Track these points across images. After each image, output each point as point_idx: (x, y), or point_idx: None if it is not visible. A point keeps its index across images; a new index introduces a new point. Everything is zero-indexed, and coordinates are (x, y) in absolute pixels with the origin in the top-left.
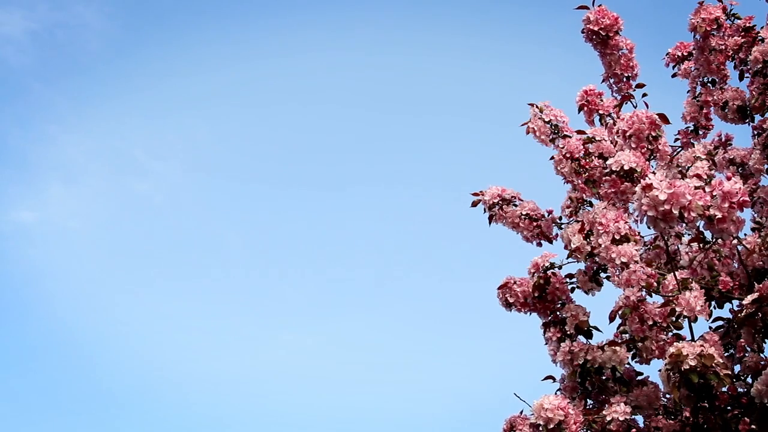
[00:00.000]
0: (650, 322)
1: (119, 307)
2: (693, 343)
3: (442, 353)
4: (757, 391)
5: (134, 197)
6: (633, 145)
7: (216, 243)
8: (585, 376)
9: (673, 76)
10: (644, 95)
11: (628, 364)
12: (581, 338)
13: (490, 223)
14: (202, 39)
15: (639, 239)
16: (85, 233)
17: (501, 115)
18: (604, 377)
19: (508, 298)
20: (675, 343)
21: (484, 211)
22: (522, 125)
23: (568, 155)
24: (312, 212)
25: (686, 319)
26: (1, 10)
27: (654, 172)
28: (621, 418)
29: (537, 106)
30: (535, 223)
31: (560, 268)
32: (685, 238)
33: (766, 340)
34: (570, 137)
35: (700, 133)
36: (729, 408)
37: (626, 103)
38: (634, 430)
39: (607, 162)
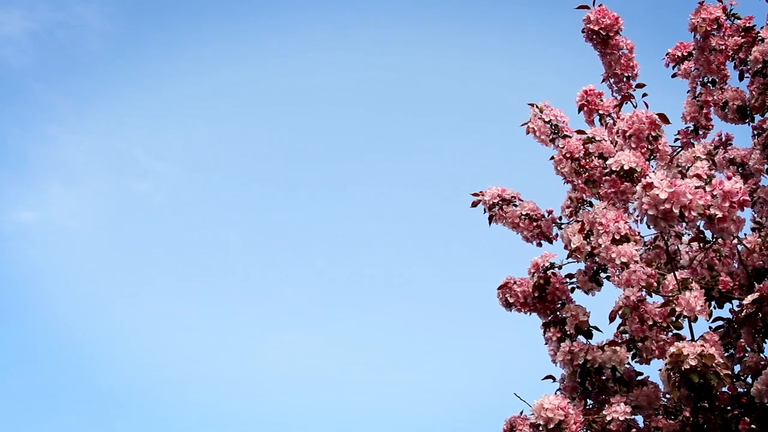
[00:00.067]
0: (650, 322)
1: (119, 307)
2: (693, 343)
3: (442, 353)
4: (757, 391)
5: (134, 197)
6: (633, 145)
7: (216, 243)
8: (585, 376)
9: (673, 76)
10: (644, 95)
11: (628, 364)
12: (581, 338)
13: (490, 223)
14: (202, 39)
15: (639, 239)
16: (85, 233)
17: (501, 115)
18: (604, 377)
19: (508, 298)
20: (675, 343)
21: (484, 212)
22: (522, 125)
23: (568, 155)
24: (312, 212)
25: (686, 319)
26: (1, 10)
27: (654, 172)
28: (621, 418)
29: (537, 106)
30: (535, 223)
31: (560, 268)
32: (685, 238)
33: (766, 340)
34: (570, 137)
35: (700, 133)
36: (729, 408)
37: (626, 103)
38: (634, 430)
39: (607, 162)
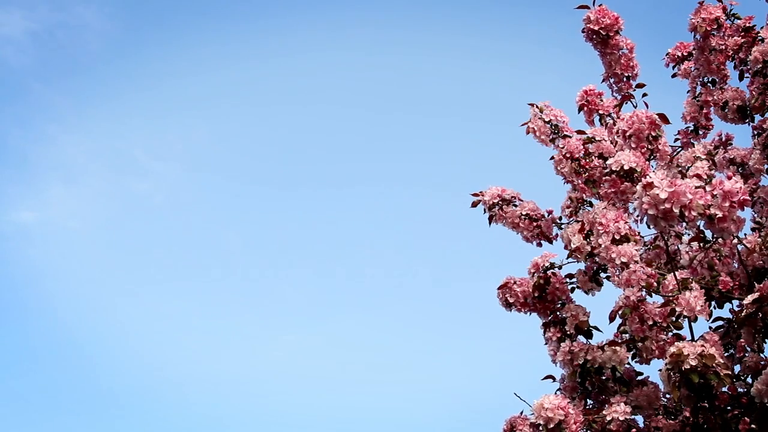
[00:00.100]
0: (650, 322)
1: (119, 307)
2: (694, 343)
3: (442, 353)
4: (757, 391)
5: (134, 197)
6: (633, 145)
7: (216, 243)
8: (585, 376)
9: (673, 76)
10: (644, 95)
11: (628, 364)
12: (581, 338)
13: (490, 223)
14: (202, 39)
15: (639, 239)
16: (85, 233)
17: (501, 115)
18: (604, 377)
19: (508, 298)
20: (676, 343)
21: (484, 212)
22: (522, 125)
23: (568, 155)
24: (312, 212)
25: (686, 319)
26: (1, 11)
27: (654, 172)
28: (621, 418)
29: (537, 106)
30: (535, 223)
31: (560, 268)
32: (685, 238)
33: (766, 340)
34: (570, 137)
35: (700, 133)
36: (729, 408)
37: (626, 103)
38: (634, 430)
39: (607, 162)
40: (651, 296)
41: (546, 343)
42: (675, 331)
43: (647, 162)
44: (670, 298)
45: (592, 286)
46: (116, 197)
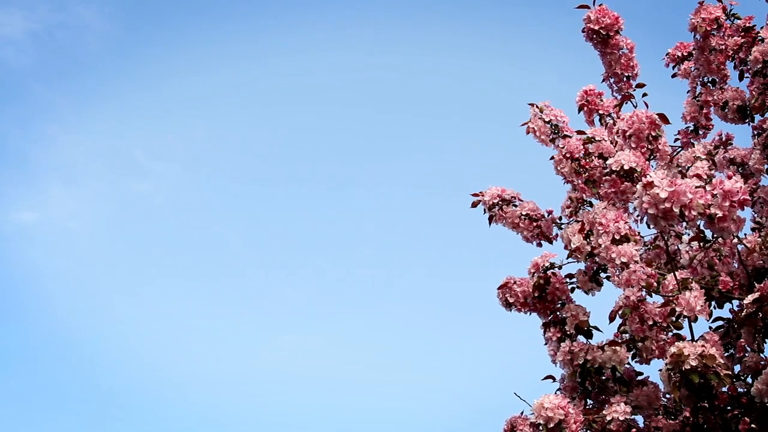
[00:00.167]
0: (650, 322)
1: (119, 307)
2: (694, 343)
3: (442, 353)
4: (757, 390)
5: (134, 197)
6: (633, 145)
7: (216, 243)
8: (585, 376)
9: (673, 76)
10: (644, 95)
11: (628, 364)
12: (581, 338)
13: (490, 223)
14: (202, 39)
15: (639, 239)
16: (85, 233)
17: (501, 115)
18: (604, 377)
19: (508, 298)
20: (676, 343)
21: (484, 212)
22: (522, 125)
23: (568, 155)
24: (312, 212)
25: (686, 319)
26: (1, 11)
27: (654, 172)
28: (621, 418)
29: (537, 106)
30: (535, 224)
31: (560, 268)
32: (685, 238)
33: (766, 340)
34: (570, 137)
35: (700, 133)
36: (729, 408)
37: (626, 103)
38: (634, 430)
39: (607, 162)
40: (651, 296)
41: (546, 343)
42: (675, 331)
43: (647, 162)
44: (670, 298)
45: (592, 286)
46: (116, 197)
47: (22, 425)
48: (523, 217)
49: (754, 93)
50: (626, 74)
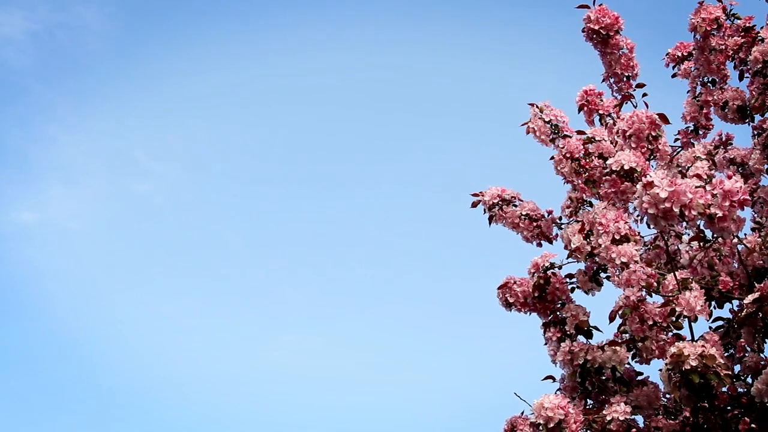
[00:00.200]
0: (650, 322)
1: (119, 307)
2: (694, 343)
3: (442, 353)
4: (757, 390)
5: (134, 197)
6: (633, 145)
7: (216, 243)
8: (585, 376)
9: (673, 76)
10: (644, 95)
11: (628, 364)
12: (581, 338)
13: (490, 223)
14: (202, 39)
15: (639, 239)
16: (85, 233)
17: (501, 115)
18: (604, 377)
19: (508, 298)
20: (676, 343)
21: (484, 212)
22: (522, 125)
23: (568, 155)
24: (312, 212)
25: (686, 319)
26: (1, 11)
27: (654, 172)
28: (621, 418)
29: (537, 106)
30: (535, 224)
31: (560, 268)
32: (685, 238)
33: (766, 340)
34: (570, 137)
35: (700, 133)
36: (729, 408)
37: (626, 103)
38: (634, 430)
39: (607, 162)
40: (651, 296)
41: (546, 343)
42: (675, 331)
43: (647, 162)
44: (670, 298)
45: (592, 286)
46: (116, 197)
47: (22, 425)
48: (523, 217)
49: (754, 93)
50: (626, 74)
